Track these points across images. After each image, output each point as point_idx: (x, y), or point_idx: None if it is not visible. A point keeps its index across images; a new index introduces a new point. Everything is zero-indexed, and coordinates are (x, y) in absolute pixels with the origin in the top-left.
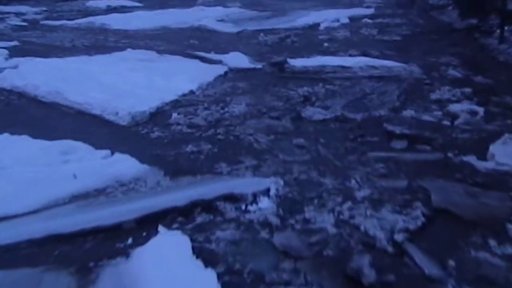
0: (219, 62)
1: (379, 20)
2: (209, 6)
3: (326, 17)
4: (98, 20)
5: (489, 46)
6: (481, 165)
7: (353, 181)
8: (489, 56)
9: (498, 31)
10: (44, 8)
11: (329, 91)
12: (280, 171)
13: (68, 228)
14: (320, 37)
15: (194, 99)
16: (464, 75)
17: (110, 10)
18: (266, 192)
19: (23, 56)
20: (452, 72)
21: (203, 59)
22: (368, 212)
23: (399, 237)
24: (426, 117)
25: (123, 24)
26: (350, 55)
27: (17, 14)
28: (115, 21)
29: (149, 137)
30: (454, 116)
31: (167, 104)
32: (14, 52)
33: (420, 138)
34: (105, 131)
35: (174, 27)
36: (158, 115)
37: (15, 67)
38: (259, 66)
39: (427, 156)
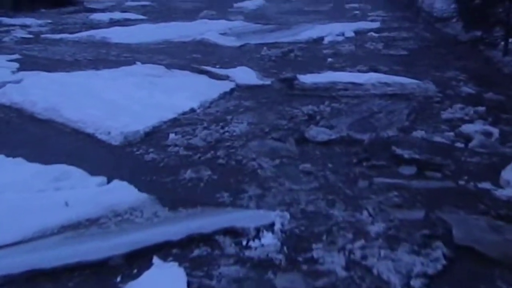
0: (226, 77)
1: (385, 34)
2: (212, 19)
3: (330, 30)
4: (99, 33)
5: (493, 59)
6: (500, 193)
7: (365, 213)
8: (494, 68)
9: (503, 43)
10: (49, 21)
11: (335, 109)
12: (286, 201)
13: (52, 263)
14: (325, 51)
15: (194, 118)
16: (474, 91)
17: (113, 23)
18: (270, 226)
19: (30, 69)
20: (462, 88)
21: (211, 75)
22: (382, 252)
23: (416, 283)
24: (437, 139)
25: (124, 37)
26: (359, 71)
27: (22, 27)
28: (116, 34)
29: (143, 159)
30: (467, 138)
31: (165, 122)
32: (20, 66)
33: (431, 163)
34: (97, 152)
35: (176, 40)
36: (154, 135)
37: (19, 81)
38: (267, 82)
39: (441, 183)
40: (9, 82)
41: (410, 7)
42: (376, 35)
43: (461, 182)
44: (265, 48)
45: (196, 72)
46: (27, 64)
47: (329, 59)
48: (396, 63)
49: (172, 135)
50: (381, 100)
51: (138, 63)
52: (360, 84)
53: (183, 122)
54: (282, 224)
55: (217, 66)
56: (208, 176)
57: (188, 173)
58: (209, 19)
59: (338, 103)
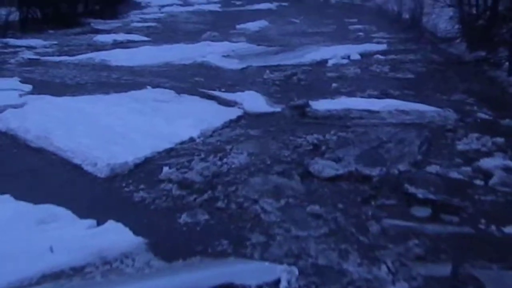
0: (235, 104)
1: (391, 56)
2: (214, 41)
3: (335, 53)
4: (99, 55)
5: (498, 79)
6: None
7: (383, 268)
8: (500, 90)
9: (507, 63)
10: (55, 42)
11: (341, 138)
12: (294, 251)
13: None
14: (329, 74)
15: (192, 148)
16: (488, 116)
17: (116, 44)
18: (275, 284)
19: (38, 93)
20: (475, 113)
21: (219, 100)
22: None
23: None
24: (453, 175)
25: (124, 60)
26: (369, 96)
27: (29, 48)
28: (116, 57)
29: (133, 198)
30: (486, 174)
31: (159, 153)
32: (24, 89)
33: (447, 204)
34: (82, 187)
35: (177, 63)
36: (145, 167)
37: (22, 105)
38: (277, 109)
39: (460, 228)
40: (12, 105)
41: (413, 28)
42: (383, 57)
43: (482, 227)
44: (267, 71)
45: (205, 97)
46: (33, 87)
47: (334, 84)
48: (404, 87)
49: (165, 168)
50: (389, 127)
51: (148, 87)
52: (376, 112)
53: (179, 152)
54: (289, 282)
55: (223, 90)
56: (205, 221)
57: (183, 218)
58: (212, 40)
59: (345, 132)
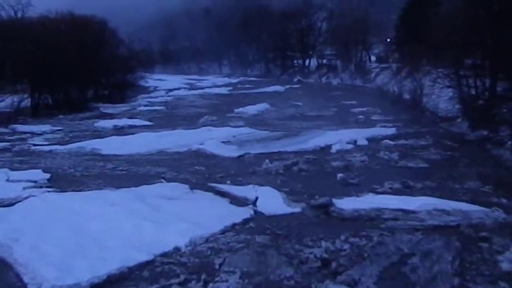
0: (246, 202)
1: (401, 142)
2: (211, 125)
3: (339, 138)
4: (90, 144)
5: (502, 157)
6: None
7: None
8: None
9: (510, 142)
10: (60, 128)
11: (355, 249)
12: None
13: None
14: (334, 163)
15: (172, 263)
16: None
17: (117, 129)
18: None
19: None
20: (500, 210)
21: (232, 198)
22: None
23: None
24: None
25: (115, 148)
26: (383, 192)
27: (33, 134)
28: (107, 145)
29: None
30: None
31: (129, 268)
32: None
33: None
34: None
35: (172, 151)
36: None
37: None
38: (297, 209)
39: None
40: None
41: (414, 108)
42: (392, 143)
43: None
44: (267, 160)
45: (218, 194)
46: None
47: (340, 174)
48: (420, 177)
49: None
50: (409, 235)
51: (163, 180)
52: (412, 212)
53: (153, 270)
54: None
55: (229, 182)
56: None
57: None
58: (209, 124)
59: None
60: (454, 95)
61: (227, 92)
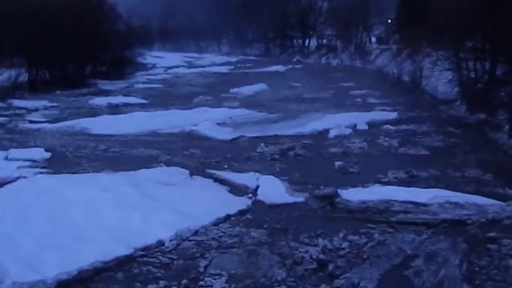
0: (245, 190)
1: (402, 127)
2: (206, 105)
3: (340, 121)
4: (80, 123)
5: (499, 141)
6: None
7: None
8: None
9: (507, 126)
10: (56, 104)
11: (354, 247)
12: None
13: None
14: (331, 149)
15: (151, 260)
16: None
17: (111, 107)
18: None
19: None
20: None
21: (231, 186)
22: None
23: None
24: None
25: (106, 128)
26: (395, 180)
27: (30, 111)
28: (98, 125)
29: None
30: None
31: (104, 263)
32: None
33: None
34: None
35: (165, 131)
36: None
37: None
38: (300, 198)
39: None
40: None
41: (413, 90)
42: (393, 128)
43: None
44: (262, 144)
45: (218, 181)
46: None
47: (338, 162)
48: (420, 166)
49: None
50: (408, 231)
51: (163, 165)
52: (423, 205)
53: (130, 267)
54: None
55: (226, 168)
56: None
57: None
58: (204, 105)
59: (358, 235)
60: (454, 78)
61: (226, 71)
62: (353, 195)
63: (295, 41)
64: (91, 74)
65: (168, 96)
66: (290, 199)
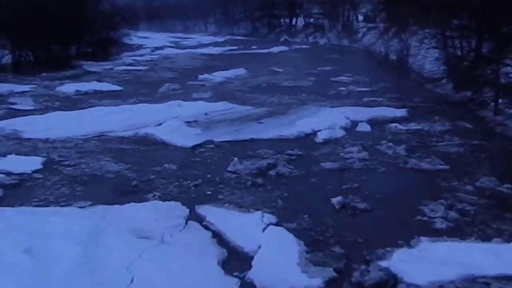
0: (246, 256)
1: (413, 126)
2: (173, 95)
3: (336, 119)
4: (11, 124)
5: (484, 119)
6: None
7: None
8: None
9: (493, 103)
10: (30, 89)
11: None
12: None
13: None
14: (325, 164)
15: None
16: None
17: (78, 96)
18: None
19: None
20: None
21: (230, 250)
22: None
23: None
24: None
25: (45, 130)
26: (427, 231)
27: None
28: (34, 126)
29: None
30: None
31: None
32: None
33: None
34: None
35: (114, 135)
36: None
37: None
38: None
39: None
40: None
41: (399, 69)
42: (403, 128)
43: None
44: (235, 159)
45: (215, 234)
46: None
47: (336, 199)
48: (451, 189)
49: None
50: None
51: (156, 196)
52: None
53: None
54: None
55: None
56: None
57: None
58: (171, 94)
59: None
60: (440, 56)
61: (215, 52)
62: (417, 272)
63: (282, 20)
64: (76, 55)
65: (146, 81)
66: (309, 283)
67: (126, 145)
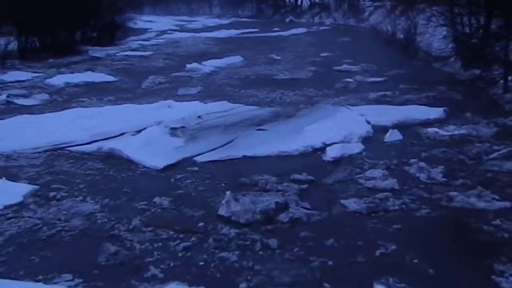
0: None
1: (454, 131)
2: (162, 89)
3: (353, 124)
4: None
5: (493, 97)
6: None
7: None
8: None
9: (502, 81)
10: (32, 77)
11: None
12: None
13: None
14: (348, 203)
15: None
16: None
17: (70, 87)
18: None
19: None
20: None
21: None
22: None
23: None
24: None
25: None
26: None
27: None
28: None
29: None
30: None
31: None
32: None
33: None
34: None
35: (72, 149)
36: None
37: None
38: None
39: None
40: None
41: (407, 48)
42: (445, 134)
43: None
44: (228, 194)
45: None
46: None
47: (376, 273)
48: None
49: None
50: None
51: None
52: None
53: None
54: None
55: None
56: None
57: None
58: (155, 88)
59: None
60: (448, 34)
61: (222, 36)
62: None
63: (287, 0)
64: (81, 41)
65: (146, 69)
66: None
67: (79, 163)
